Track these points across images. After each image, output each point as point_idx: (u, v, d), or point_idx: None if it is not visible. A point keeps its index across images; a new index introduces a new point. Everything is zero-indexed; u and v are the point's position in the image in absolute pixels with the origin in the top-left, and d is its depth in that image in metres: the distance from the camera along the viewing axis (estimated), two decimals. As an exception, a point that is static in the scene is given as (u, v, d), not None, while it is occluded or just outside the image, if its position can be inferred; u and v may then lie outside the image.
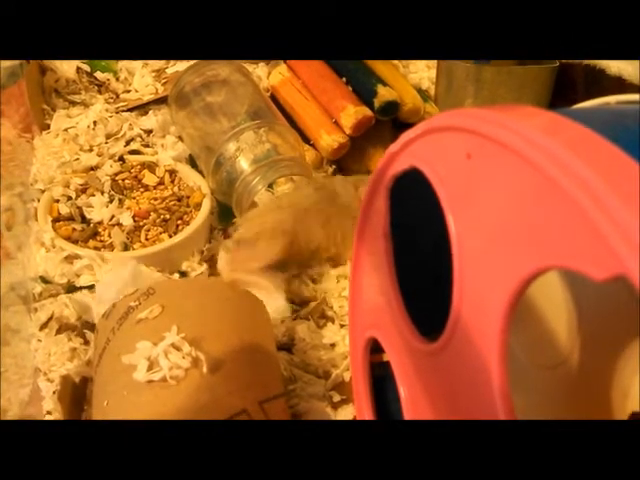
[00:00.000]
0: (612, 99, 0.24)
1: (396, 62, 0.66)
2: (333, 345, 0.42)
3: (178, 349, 0.31)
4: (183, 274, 0.47)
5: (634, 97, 0.23)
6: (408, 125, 0.56)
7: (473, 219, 0.22)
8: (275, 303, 0.43)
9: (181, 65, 0.66)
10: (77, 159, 0.54)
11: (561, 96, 0.50)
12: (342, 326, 0.43)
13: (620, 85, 0.50)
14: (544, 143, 0.18)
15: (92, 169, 0.53)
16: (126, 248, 0.46)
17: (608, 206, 0.16)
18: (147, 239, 0.47)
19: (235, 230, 0.48)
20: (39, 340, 0.40)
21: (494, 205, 0.21)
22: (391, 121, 0.57)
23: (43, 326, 0.41)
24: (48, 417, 0.36)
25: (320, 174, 0.55)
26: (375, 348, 0.34)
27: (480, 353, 0.22)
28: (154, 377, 0.31)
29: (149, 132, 0.59)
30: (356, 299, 0.35)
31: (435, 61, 0.61)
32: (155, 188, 0.52)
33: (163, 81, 0.67)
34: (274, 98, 0.61)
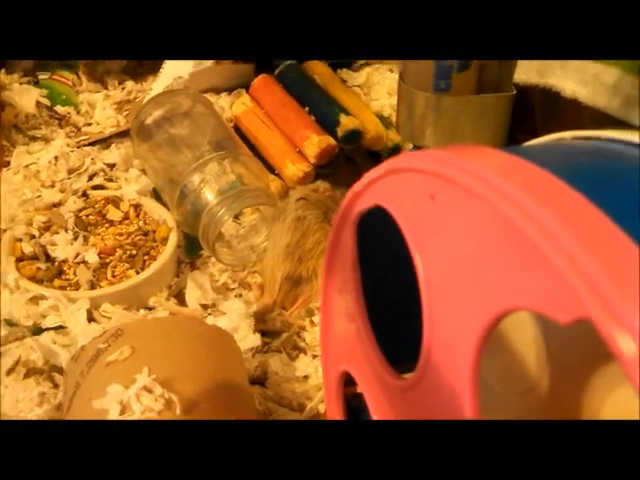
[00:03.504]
0: (568, 135, 0.25)
1: (357, 90, 0.67)
2: (306, 377, 0.42)
3: (150, 391, 0.31)
4: (151, 310, 0.46)
5: (588, 133, 0.24)
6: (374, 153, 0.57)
7: (440, 259, 0.22)
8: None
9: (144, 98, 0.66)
10: (39, 196, 0.53)
11: (520, 121, 0.51)
12: (315, 357, 0.43)
13: (576, 108, 0.52)
14: (500, 185, 0.19)
15: (55, 206, 0.52)
16: (92, 286, 0.46)
17: (566, 248, 0.16)
18: (114, 276, 0.47)
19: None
20: (6, 386, 0.39)
21: (460, 246, 0.21)
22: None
23: (10, 371, 0.40)
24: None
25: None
26: (349, 380, 0.34)
27: (452, 389, 0.22)
28: (126, 422, 0.30)
29: (112, 166, 0.58)
30: (327, 332, 0.35)
31: (396, 88, 0.61)
32: (120, 223, 0.51)
33: (125, 113, 0.66)
34: (237, 129, 0.62)
